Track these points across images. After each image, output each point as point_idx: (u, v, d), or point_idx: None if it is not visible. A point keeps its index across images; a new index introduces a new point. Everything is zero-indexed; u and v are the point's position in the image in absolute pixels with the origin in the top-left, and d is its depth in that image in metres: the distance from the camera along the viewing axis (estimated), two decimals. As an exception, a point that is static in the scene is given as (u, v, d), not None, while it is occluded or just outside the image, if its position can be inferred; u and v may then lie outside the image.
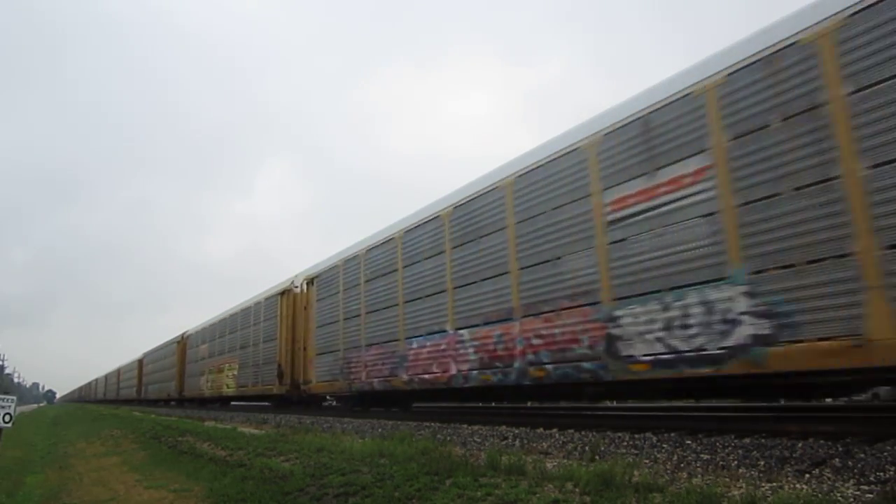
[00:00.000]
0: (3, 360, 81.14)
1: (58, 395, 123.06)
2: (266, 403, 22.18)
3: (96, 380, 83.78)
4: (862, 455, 4.58)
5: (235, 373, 21.89)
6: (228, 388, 22.64)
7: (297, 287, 17.23)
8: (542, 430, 7.77)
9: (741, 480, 4.31)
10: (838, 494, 3.73)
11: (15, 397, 9.32)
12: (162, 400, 36.84)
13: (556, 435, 7.27)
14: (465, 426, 9.08)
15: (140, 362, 44.73)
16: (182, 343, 31.19)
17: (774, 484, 4.12)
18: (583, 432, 7.19)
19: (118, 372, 58.93)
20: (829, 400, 9.98)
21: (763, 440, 5.52)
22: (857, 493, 3.79)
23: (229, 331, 23.38)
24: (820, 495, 3.66)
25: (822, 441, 5.16)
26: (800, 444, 5.12)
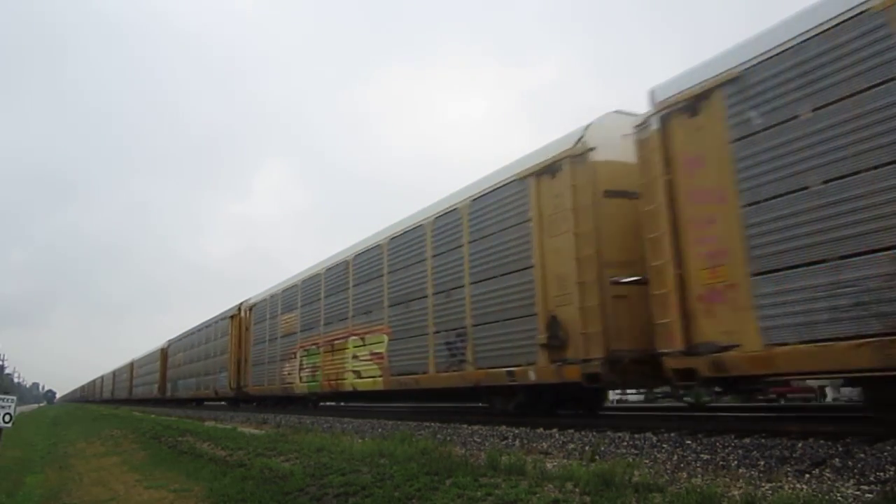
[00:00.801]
0: (3, 360, 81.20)
1: (58, 395, 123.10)
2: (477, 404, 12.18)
3: (102, 377, 73.60)
4: (862, 455, 4.58)
5: (382, 350, 11.89)
6: (364, 376, 12.51)
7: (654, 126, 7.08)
8: (542, 430, 7.76)
9: (741, 480, 4.31)
10: (838, 494, 3.73)
11: (15, 397, 9.32)
12: (203, 399, 28.77)
13: (556, 435, 7.26)
14: (465, 426, 9.07)
15: (163, 352, 36.04)
16: (239, 318, 21.94)
17: (774, 484, 4.13)
18: (583, 432, 7.18)
19: (131, 366, 49.03)
20: (828, 400, 9.99)
21: (763, 440, 5.51)
22: (857, 493, 3.79)
23: (363, 278, 13.03)
24: (820, 495, 3.66)
25: (822, 441, 5.16)
26: (800, 444, 5.12)
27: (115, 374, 61.21)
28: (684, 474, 4.72)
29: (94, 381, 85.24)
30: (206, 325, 26.72)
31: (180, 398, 31.62)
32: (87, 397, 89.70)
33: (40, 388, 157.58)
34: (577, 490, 4.31)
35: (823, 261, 5.36)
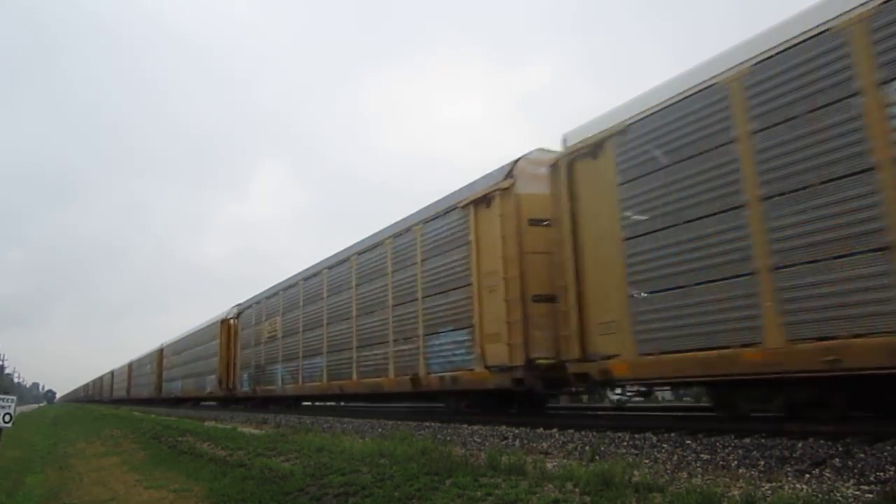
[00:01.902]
0: (3, 360, 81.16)
1: (58, 395, 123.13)
2: None
3: (112, 372, 60.51)
4: (862, 455, 4.58)
5: None
6: None
7: None
8: (542, 430, 7.77)
9: (741, 480, 4.31)
10: (838, 494, 3.73)
11: (15, 397, 9.32)
12: (365, 396, 15.02)
13: (556, 435, 7.27)
14: (465, 426, 9.08)
15: (227, 325, 22.72)
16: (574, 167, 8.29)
17: (774, 484, 4.12)
18: (583, 432, 7.18)
19: (158, 355, 35.94)
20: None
21: (763, 440, 5.51)
22: (857, 493, 3.79)
23: None
24: (820, 495, 3.66)
25: (822, 441, 5.16)
26: (800, 444, 5.12)
27: (131, 366, 46.88)
28: (684, 474, 4.72)
29: (101, 378, 73.10)
30: (396, 233, 12.26)
31: (276, 397, 18.20)
32: (92, 397, 79.69)
33: (40, 388, 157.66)
34: (577, 490, 4.31)
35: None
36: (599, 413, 10.73)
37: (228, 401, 23.05)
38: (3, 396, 9.18)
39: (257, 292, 20.70)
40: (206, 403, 27.96)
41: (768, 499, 3.66)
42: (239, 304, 22.35)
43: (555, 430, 7.62)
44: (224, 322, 23.03)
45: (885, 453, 4.53)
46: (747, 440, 5.60)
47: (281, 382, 17.39)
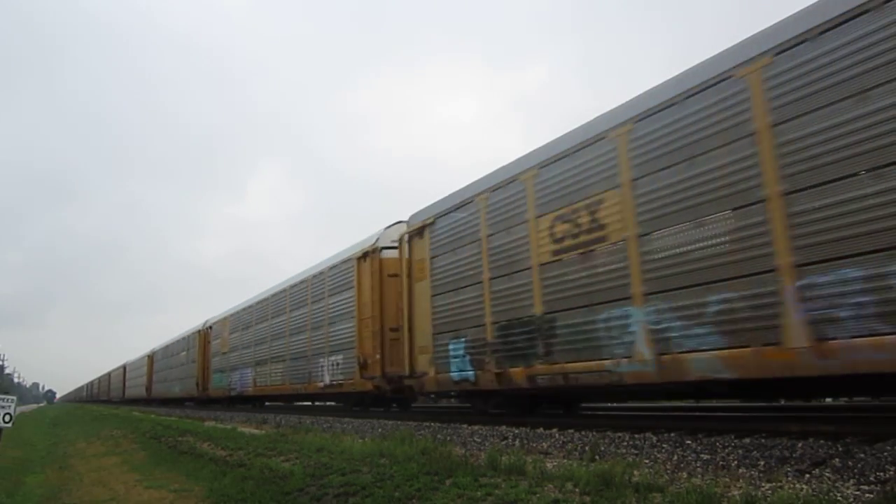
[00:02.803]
0: (3, 360, 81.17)
1: (58, 395, 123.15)
2: None
3: (124, 366, 49.33)
4: (862, 455, 4.58)
5: None
6: None
7: None
8: (542, 430, 7.77)
9: (741, 480, 4.31)
10: (838, 494, 3.73)
11: (15, 397, 9.32)
12: None
13: (556, 435, 7.27)
14: (465, 426, 9.08)
15: (374, 262, 11.73)
16: None
17: (774, 484, 4.12)
18: (583, 432, 7.18)
19: (200, 336, 25.42)
20: (828, 400, 9.98)
21: (763, 440, 5.51)
22: (857, 493, 3.79)
23: None
24: (820, 495, 3.66)
25: (822, 441, 5.16)
26: (800, 444, 5.12)
27: (153, 357, 36.32)
28: (684, 474, 4.72)
29: (108, 375, 63.68)
30: None
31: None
32: (97, 397, 72.08)
33: (40, 388, 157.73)
34: (577, 490, 4.31)
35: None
36: (599, 413, 10.74)
37: (407, 400, 12.91)
38: (3, 396, 9.18)
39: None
40: (319, 404, 17.87)
41: (768, 499, 3.66)
42: (415, 215, 11.18)
43: (555, 430, 7.62)
44: (368, 257, 12.17)
45: (885, 453, 4.53)
46: (747, 440, 5.60)
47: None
